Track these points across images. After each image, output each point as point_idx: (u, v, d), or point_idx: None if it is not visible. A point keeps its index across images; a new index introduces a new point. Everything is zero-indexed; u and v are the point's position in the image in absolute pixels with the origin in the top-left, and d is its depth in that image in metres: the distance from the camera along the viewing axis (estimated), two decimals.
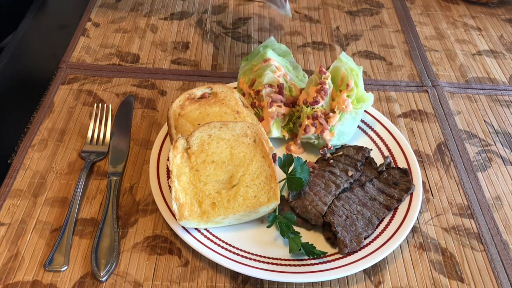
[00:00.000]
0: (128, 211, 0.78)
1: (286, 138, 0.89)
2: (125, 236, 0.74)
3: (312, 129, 0.85)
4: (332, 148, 0.86)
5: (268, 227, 0.73)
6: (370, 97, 0.89)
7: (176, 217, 0.71)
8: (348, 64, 0.89)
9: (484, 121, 0.97)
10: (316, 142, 0.87)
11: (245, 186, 0.74)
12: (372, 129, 0.91)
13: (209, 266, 0.71)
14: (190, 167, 0.76)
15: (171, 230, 0.75)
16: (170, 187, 0.75)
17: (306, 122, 0.85)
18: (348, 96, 0.86)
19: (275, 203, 0.73)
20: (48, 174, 0.82)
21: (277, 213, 0.74)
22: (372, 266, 0.72)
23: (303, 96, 0.89)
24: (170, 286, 0.69)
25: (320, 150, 0.86)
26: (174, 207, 0.71)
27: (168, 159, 0.74)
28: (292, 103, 0.91)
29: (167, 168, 0.81)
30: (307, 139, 0.87)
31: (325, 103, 0.87)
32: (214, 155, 0.77)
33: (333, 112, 0.86)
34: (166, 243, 0.74)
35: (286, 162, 0.78)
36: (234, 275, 0.71)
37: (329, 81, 0.88)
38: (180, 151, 0.76)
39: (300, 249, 0.69)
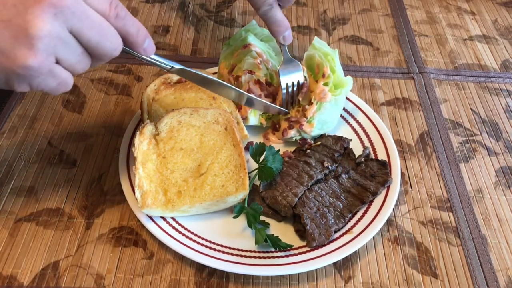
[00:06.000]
0: (95, 201, 0.75)
1: (264, 126, 0.86)
2: (90, 227, 0.72)
3: (291, 132, 0.82)
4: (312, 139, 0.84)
5: (235, 217, 0.71)
6: (349, 81, 0.85)
7: (139, 205, 0.68)
8: (322, 50, 0.85)
9: (471, 109, 0.93)
10: (299, 137, 0.83)
11: (213, 175, 0.72)
12: (354, 118, 0.87)
13: (175, 259, 0.69)
14: (158, 154, 0.73)
15: (138, 221, 0.72)
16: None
17: (285, 125, 0.83)
18: (325, 84, 0.83)
19: (243, 193, 0.70)
20: (16, 162, 0.80)
21: (245, 204, 0.72)
22: (343, 260, 0.69)
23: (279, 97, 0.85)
24: (133, 279, 0.67)
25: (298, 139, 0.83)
26: (137, 195, 0.69)
27: (133, 145, 0.72)
28: (272, 94, 0.87)
29: None
30: (289, 139, 0.84)
31: (302, 99, 0.84)
32: (183, 142, 0.74)
33: (310, 103, 0.83)
34: (132, 235, 0.72)
35: (257, 151, 0.75)
36: (199, 268, 0.68)
37: (304, 73, 0.84)
38: (148, 137, 0.74)
39: (266, 241, 0.67)
